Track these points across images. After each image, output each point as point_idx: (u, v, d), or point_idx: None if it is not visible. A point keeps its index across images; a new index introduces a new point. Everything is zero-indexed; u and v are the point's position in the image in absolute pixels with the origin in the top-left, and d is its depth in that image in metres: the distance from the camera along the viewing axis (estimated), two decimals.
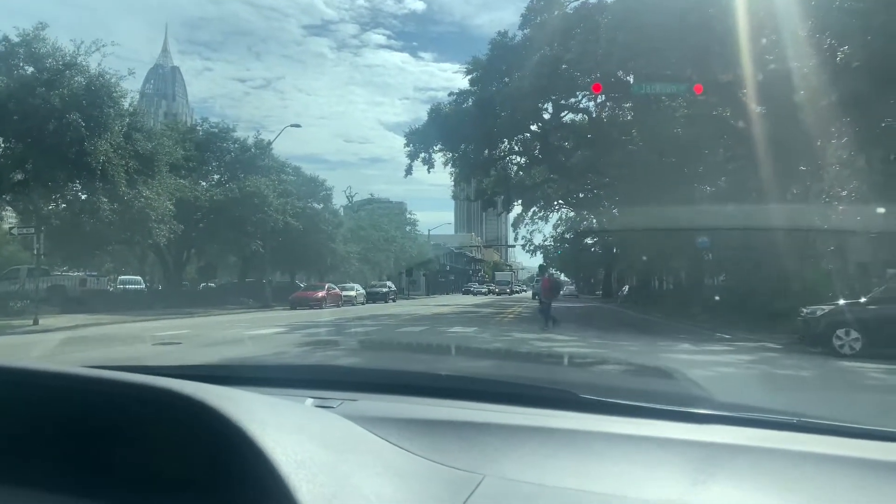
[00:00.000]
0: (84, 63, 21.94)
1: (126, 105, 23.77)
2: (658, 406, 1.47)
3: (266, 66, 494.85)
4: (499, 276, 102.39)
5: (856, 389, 8.87)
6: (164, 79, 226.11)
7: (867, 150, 18.97)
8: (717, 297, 25.05)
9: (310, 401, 1.44)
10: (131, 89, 25.71)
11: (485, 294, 75.26)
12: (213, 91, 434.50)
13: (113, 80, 22.32)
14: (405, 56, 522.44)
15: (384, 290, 46.41)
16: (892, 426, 1.30)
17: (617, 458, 1.16)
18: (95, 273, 37.95)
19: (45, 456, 1.07)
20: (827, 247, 21.27)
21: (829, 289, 18.95)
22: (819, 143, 19.77)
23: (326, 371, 2.27)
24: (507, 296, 74.38)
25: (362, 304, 39.93)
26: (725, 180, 23.02)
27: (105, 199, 22.71)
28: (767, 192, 19.64)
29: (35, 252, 20.26)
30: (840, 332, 13.05)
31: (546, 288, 19.44)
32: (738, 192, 21.92)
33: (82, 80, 21.62)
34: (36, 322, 18.29)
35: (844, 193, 19.60)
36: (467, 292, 76.91)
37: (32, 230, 20.76)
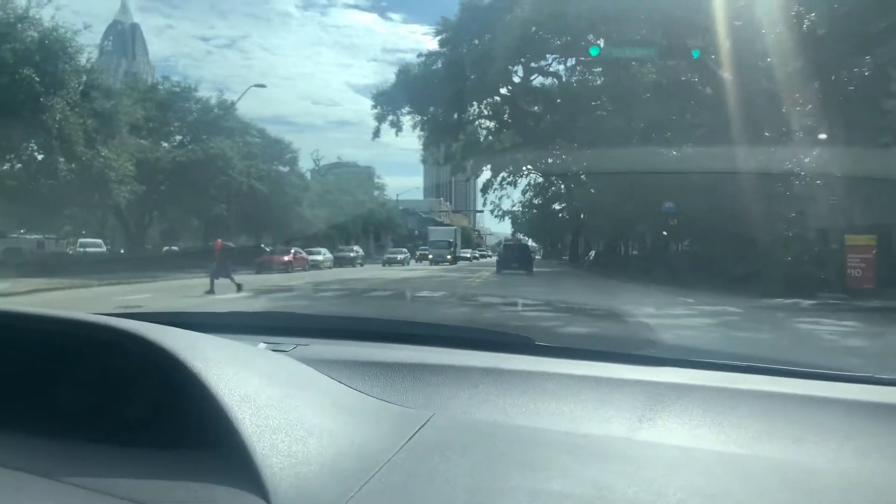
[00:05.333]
0: (37, 16, 21.17)
1: (83, 61, 23.07)
2: (610, 350, 1.51)
3: (230, 24, 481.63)
4: (434, 233, 61.83)
5: (817, 350, 9.09)
6: (124, 36, 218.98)
7: (830, 117, 19.25)
8: (681, 265, 25.50)
9: (262, 344, 1.42)
10: (88, 45, 24.88)
11: (399, 262, 47.22)
12: (174, 50, 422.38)
13: (68, 35, 21.60)
14: (374, 16, 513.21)
15: (352, 254, 46.13)
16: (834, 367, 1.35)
17: (568, 397, 1.17)
18: (54, 236, 37.09)
19: None
20: (789, 213, 21.66)
21: (789, 254, 19.37)
22: (784, 111, 20.00)
23: (281, 318, 2.23)
24: (448, 265, 48.33)
25: (330, 268, 39.69)
26: (692, 146, 23.19)
27: (62, 160, 22.11)
28: (733, 158, 19.86)
29: None
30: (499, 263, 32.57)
31: (218, 251, 19.41)
32: (704, 158, 22.13)
33: (35, 34, 20.89)
34: None
35: (807, 160, 19.90)
36: (389, 262, 47.10)
37: None
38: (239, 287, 17.31)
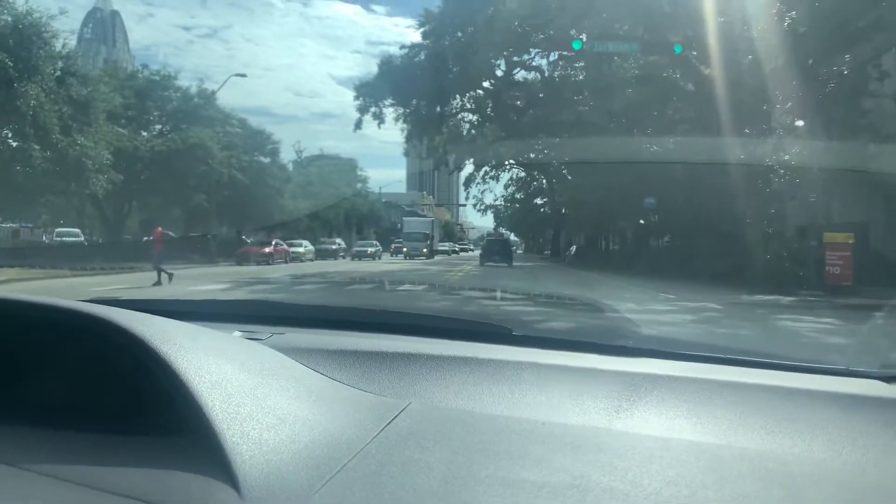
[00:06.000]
0: (10, 0, 20.74)
1: (58, 47, 22.63)
2: (588, 340, 1.51)
3: (212, 13, 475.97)
4: (409, 224, 57.07)
5: (797, 346, 9.14)
6: (104, 23, 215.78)
7: (810, 115, 19.39)
8: (661, 260, 25.64)
9: (237, 332, 1.40)
10: (64, 30, 24.46)
11: (370, 256, 43.54)
12: (155, 39, 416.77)
13: (43, 20, 21.18)
14: (357, 8, 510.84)
15: (334, 247, 45.93)
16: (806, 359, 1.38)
17: (544, 387, 1.17)
18: (31, 225, 36.53)
19: None
20: (768, 210, 21.83)
21: (769, 251, 19.51)
22: (765, 108, 20.11)
23: (257, 306, 2.19)
24: (424, 258, 45.46)
25: (311, 260, 39.52)
26: (673, 142, 23.30)
27: (37, 147, 21.73)
28: (713, 154, 19.96)
29: None
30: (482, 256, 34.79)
31: (157, 240, 18.83)
32: (685, 154, 22.24)
33: (8, 17, 20.52)
34: None
35: (787, 157, 20.05)
36: (359, 255, 43.54)
37: None
38: (158, 282, 16.95)
